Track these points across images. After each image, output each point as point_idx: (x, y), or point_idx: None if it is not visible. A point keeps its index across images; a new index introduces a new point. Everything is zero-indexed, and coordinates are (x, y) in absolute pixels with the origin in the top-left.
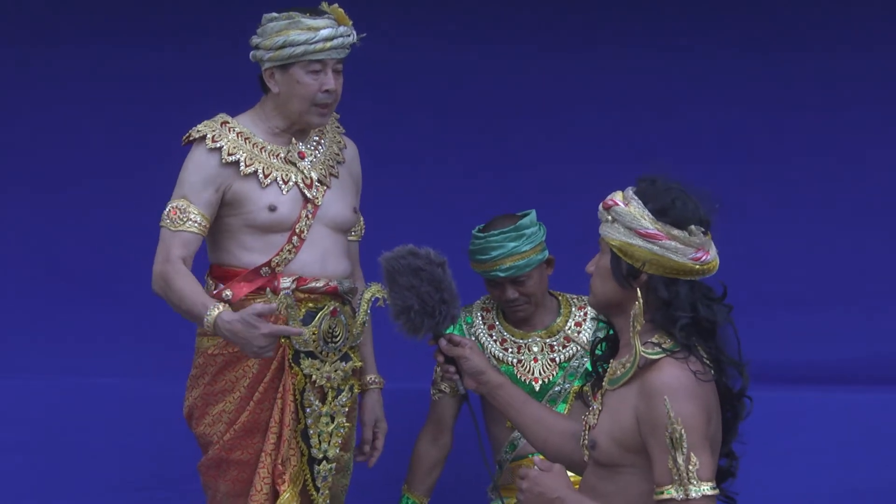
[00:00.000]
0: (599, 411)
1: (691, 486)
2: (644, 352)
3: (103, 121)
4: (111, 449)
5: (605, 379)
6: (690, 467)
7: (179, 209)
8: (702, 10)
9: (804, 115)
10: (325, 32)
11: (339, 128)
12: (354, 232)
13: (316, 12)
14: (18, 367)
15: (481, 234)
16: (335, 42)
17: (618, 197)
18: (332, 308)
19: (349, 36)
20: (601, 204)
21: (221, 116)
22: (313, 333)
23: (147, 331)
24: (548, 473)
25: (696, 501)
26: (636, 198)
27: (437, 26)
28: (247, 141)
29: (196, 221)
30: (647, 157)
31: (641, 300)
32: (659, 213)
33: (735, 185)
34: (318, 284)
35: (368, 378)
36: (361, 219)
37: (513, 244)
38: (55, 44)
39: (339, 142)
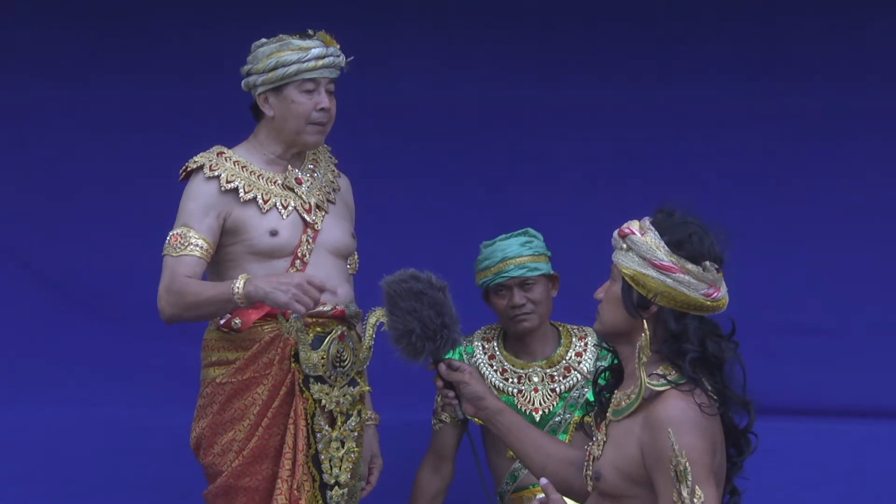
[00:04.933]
0: (604, 442)
1: None
2: (649, 383)
3: (109, 150)
4: (112, 479)
5: (609, 410)
6: (696, 500)
7: (180, 236)
8: (705, 37)
9: (809, 143)
10: (315, 51)
11: (332, 158)
12: (349, 265)
13: (304, 35)
14: (20, 396)
15: (489, 242)
16: (326, 61)
17: (634, 226)
18: (339, 332)
19: (339, 56)
20: (617, 231)
21: (217, 147)
22: (322, 358)
23: (151, 360)
24: None
25: None
26: (653, 228)
27: (437, 54)
28: (244, 169)
29: (198, 245)
30: (647, 187)
31: (649, 332)
32: (675, 246)
33: (739, 213)
34: (325, 308)
35: (366, 415)
36: (356, 253)
37: (520, 247)
38: (56, 73)
39: (333, 171)
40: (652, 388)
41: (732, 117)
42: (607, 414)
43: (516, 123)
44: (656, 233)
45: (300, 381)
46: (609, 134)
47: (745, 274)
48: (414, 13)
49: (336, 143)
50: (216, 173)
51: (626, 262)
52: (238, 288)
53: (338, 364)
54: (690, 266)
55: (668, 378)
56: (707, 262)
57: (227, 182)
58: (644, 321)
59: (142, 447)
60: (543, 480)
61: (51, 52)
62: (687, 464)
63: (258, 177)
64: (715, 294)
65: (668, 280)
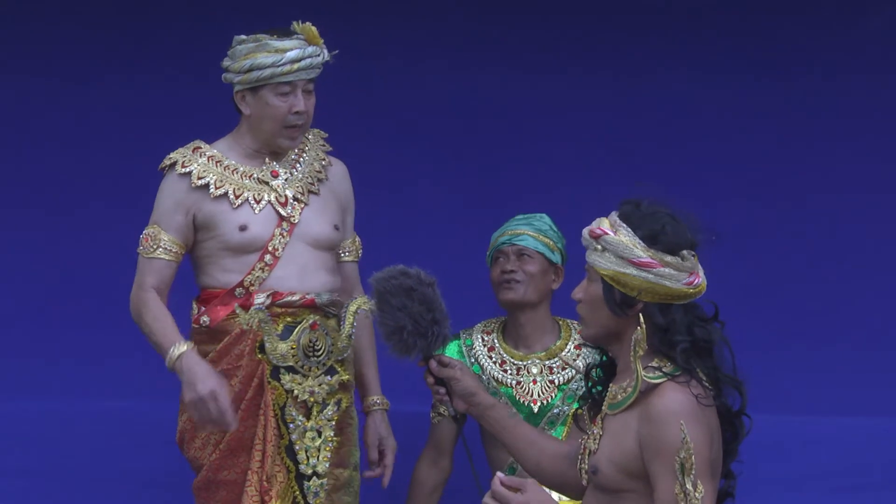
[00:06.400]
0: (600, 436)
1: None
2: (646, 376)
3: (109, 149)
4: (108, 472)
5: (605, 403)
6: (697, 494)
7: (151, 236)
8: (704, 37)
9: (805, 142)
10: (292, 54)
11: (324, 146)
12: (349, 252)
13: (284, 33)
14: (16, 390)
15: (510, 219)
16: (303, 63)
17: (605, 225)
18: (311, 322)
19: (318, 56)
20: (587, 232)
21: (195, 143)
22: (292, 348)
23: (141, 353)
24: (522, 495)
25: None
26: (624, 224)
27: (436, 53)
28: (218, 164)
29: (167, 248)
30: (645, 186)
31: (643, 326)
32: (650, 240)
33: (739, 213)
34: (293, 298)
35: (371, 399)
36: (357, 238)
37: (531, 223)
38: (56, 73)
39: (323, 159)
40: (649, 380)
41: (732, 117)
42: (603, 407)
43: (515, 123)
44: (629, 229)
45: (268, 371)
46: (608, 133)
47: (742, 272)
48: (413, 12)
49: (336, 141)
50: (188, 169)
51: (603, 264)
52: (172, 356)
53: (311, 353)
54: (669, 258)
55: (664, 370)
56: (684, 252)
57: (199, 178)
58: (639, 315)
59: (137, 440)
60: (501, 475)
61: (51, 52)
62: (693, 457)
63: (233, 171)
64: (696, 280)
65: (650, 276)
